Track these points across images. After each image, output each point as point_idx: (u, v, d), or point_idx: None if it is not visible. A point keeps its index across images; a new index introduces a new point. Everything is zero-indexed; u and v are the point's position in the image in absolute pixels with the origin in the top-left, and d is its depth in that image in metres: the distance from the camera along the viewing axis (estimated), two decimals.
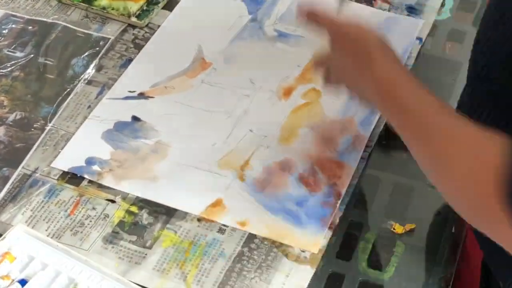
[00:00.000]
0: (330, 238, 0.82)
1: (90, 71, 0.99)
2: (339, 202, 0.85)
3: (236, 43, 1.04)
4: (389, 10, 1.08)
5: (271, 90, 0.97)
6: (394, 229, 0.83)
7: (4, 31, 1.04)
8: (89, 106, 0.95)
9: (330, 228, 0.83)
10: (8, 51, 1.02)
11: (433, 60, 1.01)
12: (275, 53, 1.02)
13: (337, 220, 0.84)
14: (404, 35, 1.04)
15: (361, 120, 0.93)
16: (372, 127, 0.93)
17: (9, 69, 1.00)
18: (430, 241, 0.82)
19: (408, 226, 0.83)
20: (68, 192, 0.86)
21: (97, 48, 1.02)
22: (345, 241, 0.82)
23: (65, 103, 0.95)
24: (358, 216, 0.84)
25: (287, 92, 0.97)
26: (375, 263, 0.80)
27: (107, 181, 0.87)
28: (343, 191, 0.86)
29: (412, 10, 1.08)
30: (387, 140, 0.92)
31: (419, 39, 1.04)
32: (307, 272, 0.79)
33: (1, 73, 0.99)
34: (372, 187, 0.87)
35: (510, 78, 0.70)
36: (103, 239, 0.82)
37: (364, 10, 1.08)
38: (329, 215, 0.84)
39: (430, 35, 1.05)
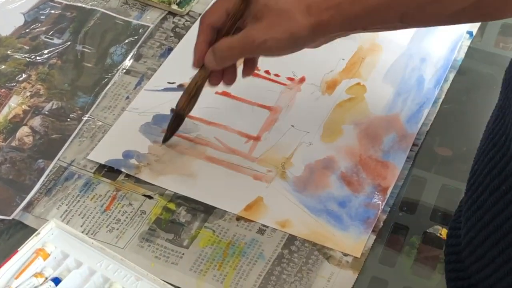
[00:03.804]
0: (374, 242, 0.79)
1: (129, 60, 0.97)
2: (384, 203, 0.82)
3: None
4: None
5: (314, 84, 0.94)
6: (440, 234, 0.79)
7: (41, 17, 1.02)
8: (128, 97, 0.93)
9: (373, 231, 0.80)
10: (45, 37, 1.00)
11: (484, 55, 0.97)
12: None
13: (381, 223, 0.80)
14: (454, 28, 1.00)
15: (407, 117, 0.90)
16: (420, 125, 0.89)
17: (45, 56, 0.98)
18: None
19: None
20: (105, 186, 0.84)
21: (136, 36, 1.00)
22: (389, 246, 0.79)
23: (103, 93, 0.93)
24: (403, 219, 0.81)
25: (331, 87, 0.93)
26: (420, 269, 0.77)
27: (144, 175, 0.85)
28: (388, 193, 0.83)
29: None
30: (433, 137, 0.89)
31: (470, 32, 1.00)
32: (349, 278, 0.76)
33: (38, 61, 0.97)
34: (418, 189, 0.84)
35: None
36: (139, 236, 0.79)
37: None
38: (373, 217, 0.80)
39: (481, 28, 1.01)
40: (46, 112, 0.91)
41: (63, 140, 0.88)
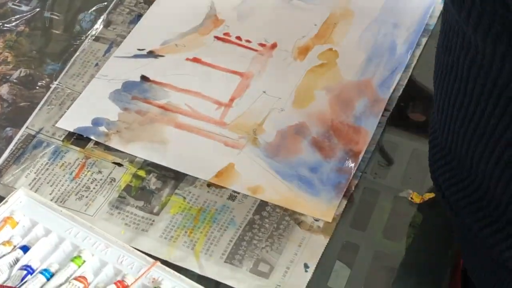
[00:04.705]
0: (345, 207, 0.79)
1: (98, 26, 0.95)
2: (355, 168, 0.81)
3: None
4: None
5: (286, 50, 0.93)
6: (412, 198, 0.79)
7: None
8: (97, 64, 0.91)
9: (345, 196, 0.79)
10: (13, 4, 0.98)
11: None
12: (291, 10, 0.98)
13: (353, 188, 0.80)
14: None
15: (379, 83, 0.89)
16: (391, 90, 0.88)
17: (13, 23, 0.96)
18: None
19: (427, 196, 0.79)
20: (74, 154, 0.83)
21: (105, 3, 0.98)
22: (360, 210, 0.79)
23: (72, 60, 0.92)
24: (374, 184, 0.81)
25: (303, 52, 0.93)
26: (391, 233, 0.77)
27: (114, 143, 0.84)
28: (360, 157, 0.82)
29: None
30: (405, 102, 0.88)
31: None
32: (320, 242, 0.76)
33: (6, 28, 0.95)
34: (390, 154, 0.84)
35: None
36: (109, 204, 0.79)
37: None
38: (344, 182, 0.80)
39: None
40: (14, 80, 0.90)
41: (31, 108, 0.87)
